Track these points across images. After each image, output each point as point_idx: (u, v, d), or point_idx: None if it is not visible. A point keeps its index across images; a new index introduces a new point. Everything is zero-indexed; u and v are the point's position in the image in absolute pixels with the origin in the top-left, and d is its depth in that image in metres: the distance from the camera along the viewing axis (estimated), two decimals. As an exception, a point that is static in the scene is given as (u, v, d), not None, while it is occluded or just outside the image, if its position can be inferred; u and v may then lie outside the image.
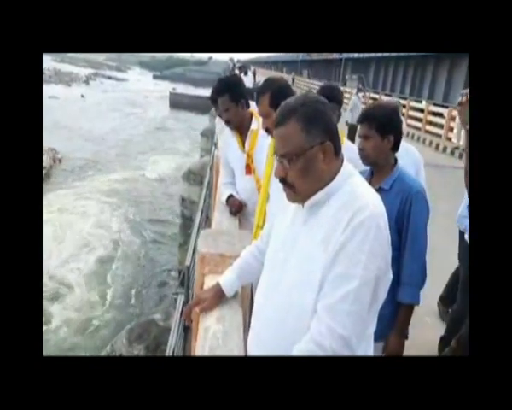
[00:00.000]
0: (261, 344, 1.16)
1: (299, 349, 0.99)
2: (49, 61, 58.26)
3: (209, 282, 1.51)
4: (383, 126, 1.71)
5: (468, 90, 1.19)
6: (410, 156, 2.48)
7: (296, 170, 1.02)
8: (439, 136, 13.10)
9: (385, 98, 14.61)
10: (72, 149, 15.67)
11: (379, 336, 1.79)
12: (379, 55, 23.95)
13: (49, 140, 13.65)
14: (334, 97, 2.25)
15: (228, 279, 1.38)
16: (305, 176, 1.03)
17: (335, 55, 31.06)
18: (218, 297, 1.36)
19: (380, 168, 1.78)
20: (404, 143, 2.35)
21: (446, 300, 3.15)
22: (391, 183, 1.73)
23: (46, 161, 11.86)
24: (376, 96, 17.83)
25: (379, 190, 1.68)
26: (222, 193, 2.41)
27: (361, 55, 26.54)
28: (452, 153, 11.45)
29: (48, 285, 7.50)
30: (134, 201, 12.41)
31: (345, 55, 28.51)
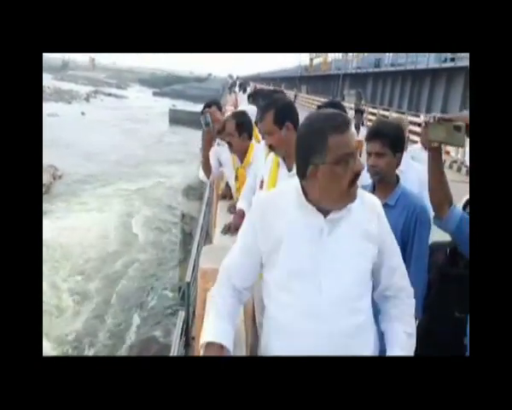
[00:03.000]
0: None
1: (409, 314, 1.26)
2: (49, 79, 58.89)
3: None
4: (395, 144, 1.76)
5: (434, 114, 1.30)
6: (415, 173, 2.51)
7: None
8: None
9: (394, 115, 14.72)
10: (72, 166, 15.73)
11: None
12: (376, 70, 24.28)
13: (48, 157, 13.71)
14: None
15: (225, 333, 1.20)
16: None
17: (333, 71, 31.47)
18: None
19: (384, 184, 1.79)
20: (408, 160, 2.41)
21: None
22: (396, 199, 1.75)
23: (46, 177, 11.89)
24: (375, 110, 17.99)
25: (384, 206, 1.72)
26: (239, 199, 2.40)
27: (358, 70, 26.90)
28: (451, 166, 11.49)
29: (45, 299, 7.42)
30: (134, 214, 12.39)
31: (342, 70, 28.89)
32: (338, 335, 1.14)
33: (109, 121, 29.53)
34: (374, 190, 1.82)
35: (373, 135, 1.78)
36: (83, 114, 31.87)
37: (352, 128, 1.13)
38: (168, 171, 17.30)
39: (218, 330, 1.19)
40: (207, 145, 2.71)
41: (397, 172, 2.21)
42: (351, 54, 30.44)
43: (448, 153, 12.80)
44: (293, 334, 1.17)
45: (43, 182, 11.35)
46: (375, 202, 1.25)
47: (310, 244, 1.15)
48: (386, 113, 17.98)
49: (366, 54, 27.65)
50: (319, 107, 2.22)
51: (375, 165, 1.76)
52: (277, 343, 1.20)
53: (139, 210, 12.70)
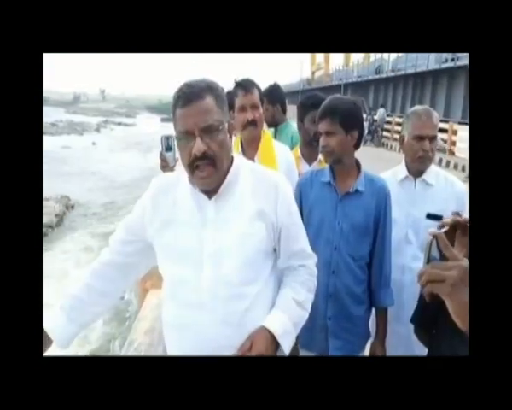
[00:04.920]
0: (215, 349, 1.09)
1: (301, 282, 1.21)
2: (61, 113, 60.77)
3: (150, 298, 1.41)
4: (347, 121, 1.60)
5: (450, 218, 0.92)
6: (451, 188, 1.84)
7: (218, 142, 1.06)
8: (441, 151, 13.10)
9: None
10: (85, 195, 16.11)
11: (364, 343, 1.74)
12: (376, 77, 24.36)
13: (61, 188, 14.11)
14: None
15: (57, 325, 1.15)
16: (223, 149, 1.07)
17: (335, 82, 31.70)
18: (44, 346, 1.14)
19: (345, 168, 1.67)
20: (441, 171, 1.91)
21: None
22: (364, 184, 1.64)
23: (59, 208, 12.27)
24: (376, 117, 18.01)
25: (355, 193, 1.62)
26: None
27: (359, 78, 27.03)
28: (455, 167, 11.42)
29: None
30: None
31: (344, 80, 29.07)
32: (220, 324, 1.07)
33: (120, 149, 30.17)
34: (334, 176, 1.67)
35: (323, 113, 1.64)
36: (94, 144, 32.60)
37: (205, 103, 1.05)
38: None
39: (54, 319, 1.16)
40: (168, 171, 2.32)
41: (422, 184, 1.85)
42: (351, 63, 30.63)
43: (453, 153, 12.74)
44: (177, 326, 1.12)
45: (56, 212, 11.72)
46: (276, 181, 1.17)
47: (195, 227, 1.10)
48: (390, 118, 18.00)
49: (366, 62, 27.81)
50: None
51: (325, 144, 1.63)
52: (168, 337, 1.17)
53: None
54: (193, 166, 1.06)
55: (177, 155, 2.12)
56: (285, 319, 1.13)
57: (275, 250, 1.21)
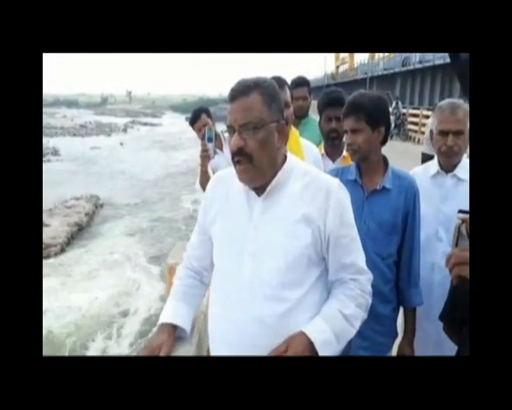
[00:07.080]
0: (250, 348, 1.08)
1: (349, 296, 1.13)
2: (90, 115, 62.79)
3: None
4: (373, 118, 1.55)
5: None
6: None
7: (256, 140, 1.05)
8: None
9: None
10: (113, 194, 16.56)
11: (392, 343, 1.71)
12: (403, 69, 23.75)
13: (91, 188, 14.60)
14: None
15: (177, 312, 1.19)
16: (263, 148, 1.06)
17: (360, 76, 31.15)
18: (174, 337, 1.17)
19: (371, 166, 1.62)
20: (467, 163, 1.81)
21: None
22: (391, 181, 1.60)
23: (89, 207, 12.70)
24: (403, 110, 17.57)
25: (382, 190, 1.59)
26: None
27: (385, 71, 26.45)
28: None
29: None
30: (172, 233, 12.77)
31: (369, 73, 28.52)
32: (258, 323, 1.06)
33: (146, 149, 30.78)
34: (360, 174, 1.63)
35: (348, 110, 1.59)
36: (121, 144, 33.38)
37: (251, 100, 1.05)
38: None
39: (169, 310, 1.18)
40: (208, 161, 2.41)
41: (454, 179, 1.80)
42: (377, 56, 30.00)
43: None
44: (220, 318, 1.14)
45: (86, 211, 12.13)
46: (329, 186, 1.11)
47: (241, 222, 1.11)
48: (417, 111, 17.53)
49: (392, 55, 27.16)
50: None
51: (351, 142, 1.58)
52: (212, 327, 1.18)
53: (177, 230, 13.09)
54: (234, 160, 1.08)
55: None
56: (326, 328, 1.08)
57: (324, 260, 1.15)
